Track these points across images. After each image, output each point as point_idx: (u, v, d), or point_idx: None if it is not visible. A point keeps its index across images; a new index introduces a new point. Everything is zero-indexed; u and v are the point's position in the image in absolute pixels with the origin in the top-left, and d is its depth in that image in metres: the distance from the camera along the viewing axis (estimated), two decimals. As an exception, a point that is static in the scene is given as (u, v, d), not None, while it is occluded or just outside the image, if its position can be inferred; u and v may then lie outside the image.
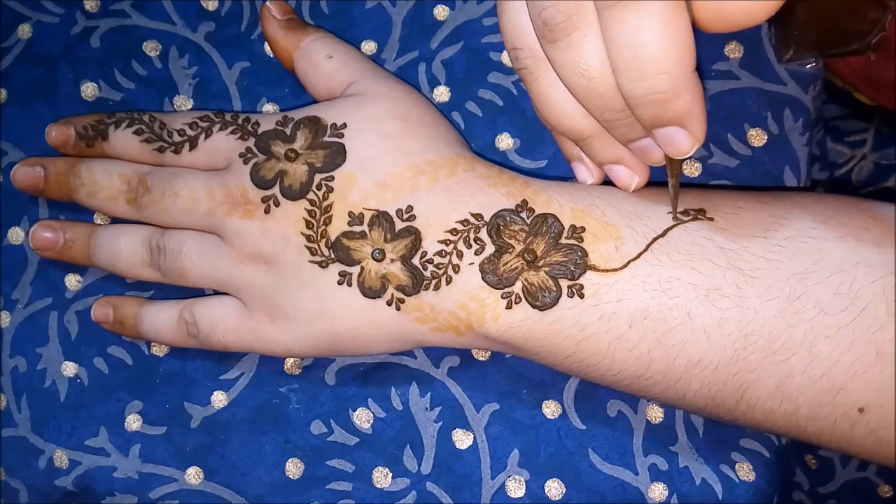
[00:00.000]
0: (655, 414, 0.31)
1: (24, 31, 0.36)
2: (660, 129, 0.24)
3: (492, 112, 0.34)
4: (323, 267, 0.29)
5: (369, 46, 0.35)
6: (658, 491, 0.31)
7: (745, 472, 0.31)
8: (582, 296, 0.27)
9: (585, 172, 0.30)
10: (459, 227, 0.28)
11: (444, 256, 0.28)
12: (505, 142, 0.34)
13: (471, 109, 0.34)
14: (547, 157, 0.33)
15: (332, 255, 0.29)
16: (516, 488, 0.31)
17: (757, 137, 0.33)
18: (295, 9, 0.35)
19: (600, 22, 0.23)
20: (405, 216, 0.29)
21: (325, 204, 0.29)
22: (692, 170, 0.33)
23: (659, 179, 0.30)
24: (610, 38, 0.22)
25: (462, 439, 0.32)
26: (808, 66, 0.33)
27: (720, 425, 0.31)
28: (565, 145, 0.30)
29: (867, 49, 0.31)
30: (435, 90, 0.34)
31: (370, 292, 0.29)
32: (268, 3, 0.33)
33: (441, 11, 0.35)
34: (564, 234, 0.28)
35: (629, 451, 0.31)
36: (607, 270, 0.27)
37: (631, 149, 0.27)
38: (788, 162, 0.33)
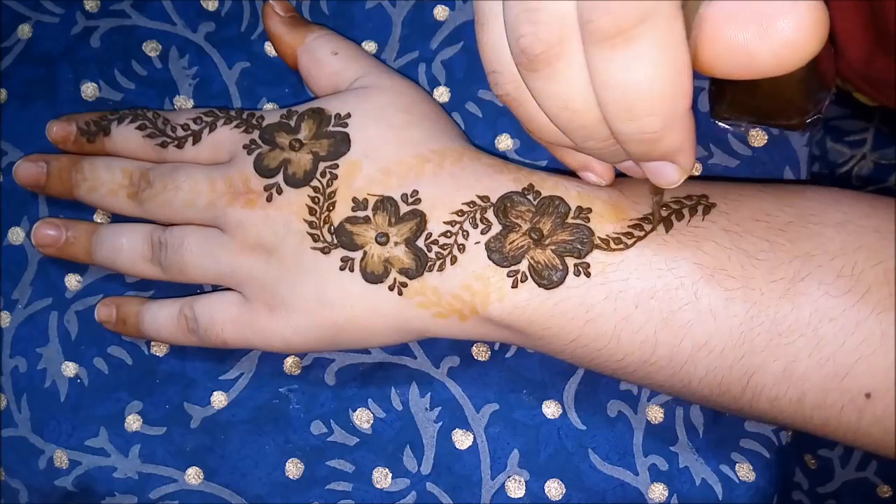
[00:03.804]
0: (655, 414, 0.31)
1: (24, 31, 0.36)
2: (647, 163, 0.24)
3: (492, 112, 0.34)
4: (325, 253, 0.29)
5: (369, 47, 0.35)
6: (658, 491, 0.31)
7: (745, 472, 0.31)
8: (588, 274, 0.27)
9: (595, 178, 0.29)
10: (466, 208, 0.28)
11: (449, 237, 0.28)
12: (505, 142, 0.34)
13: (471, 110, 0.34)
14: (547, 157, 0.33)
15: (335, 241, 0.29)
16: (516, 488, 0.31)
17: (757, 137, 0.33)
18: (295, 9, 0.35)
19: (586, 56, 0.21)
20: (410, 200, 0.29)
21: (328, 191, 0.29)
22: (692, 170, 0.33)
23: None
24: (597, 75, 0.21)
25: (462, 439, 0.32)
26: (740, 129, 0.32)
27: (720, 425, 0.31)
28: (566, 157, 0.29)
29: (802, 126, 0.31)
30: (435, 91, 0.34)
31: (372, 277, 0.29)
32: (270, 0, 0.34)
33: (441, 11, 0.35)
34: (571, 215, 0.28)
35: (629, 451, 0.31)
36: (614, 249, 0.27)
37: (618, 167, 0.27)
38: (788, 162, 0.33)
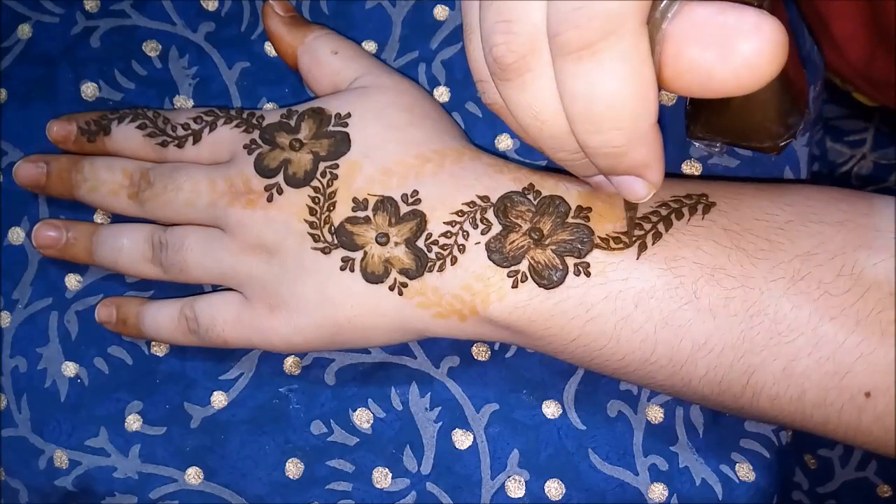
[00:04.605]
0: (655, 414, 0.31)
1: (24, 31, 0.36)
2: (615, 177, 0.24)
3: (492, 112, 0.34)
4: (325, 253, 0.29)
5: (369, 47, 0.35)
6: (658, 491, 0.31)
7: (745, 472, 0.31)
8: (588, 274, 0.27)
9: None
10: (466, 208, 0.28)
11: (449, 237, 0.28)
12: (505, 142, 0.34)
13: (470, 110, 0.34)
14: (547, 157, 0.33)
15: (336, 241, 0.29)
16: (516, 488, 0.31)
17: (757, 137, 0.33)
18: (295, 9, 0.35)
19: (555, 68, 0.21)
20: (410, 200, 0.29)
21: (329, 191, 0.29)
22: (692, 170, 0.33)
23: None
24: (564, 87, 0.21)
25: (462, 439, 0.32)
26: (714, 149, 0.32)
27: (720, 425, 0.31)
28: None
29: (776, 149, 0.31)
30: (435, 90, 0.34)
31: (372, 277, 0.29)
32: (270, 0, 0.34)
33: (441, 11, 0.35)
34: (571, 214, 0.28)
35: (629, 451, 0.31)
36: (614, 249, 0.27)
37: (588, 181, 0.27)
38: (788, 162, 0.33)
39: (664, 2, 0.20)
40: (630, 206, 0.27)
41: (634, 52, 0.20)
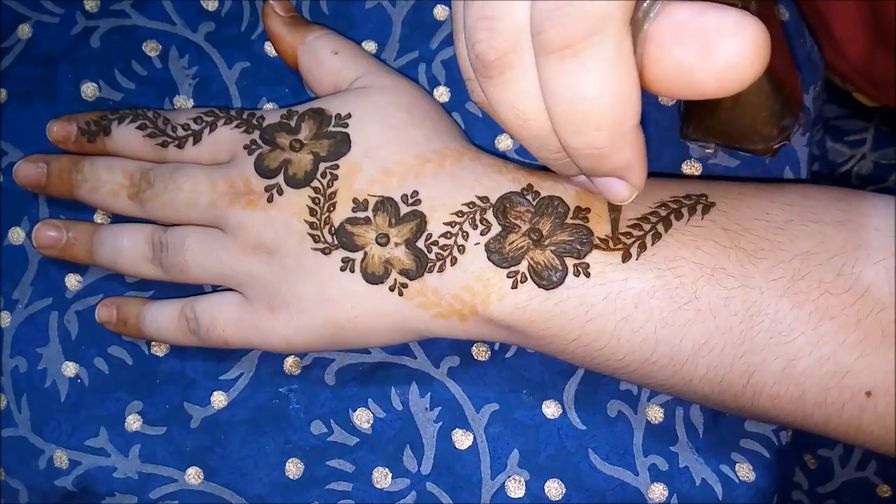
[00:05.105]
0: (655, 414, 0.31)
1: (24, 31, 0.36)
2: (597, 178, 0.24)
3: (492, 112, 0.34)
4: (326, 254, 0.29)
5: (369, 47, 0.35)
6: (658, 491, 0.31)
7: (745, 472, 0.31)
8: (588, 275, 0.27)
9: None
10: (465, 209, 0.29)
11: (449, 238, 0.28)
12: (505, 142, 0.34)
13: (470, 110, 0.34)
14: (547, 157, 0.33)
15: (336, 242, 0.29)
16: (516, 488, 0.31)
17: (757, 138, 0.33)
18: (295, 9, 0.35)
19: (537, 67, 0.21)
20: (410, 201, 0.29)
21: (329, 191, 0.29)
22: (692, 170, 0.33)
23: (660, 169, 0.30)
24: (546, 87, 0.21)
25: (462, 439, 0.32)
26: (707, 151, 0.32)
27: (720, 425, 0.31)
28: None
29: (770, 152, 0.31)
30: (435, 91, 0.34)
31: (373, 278, 0.29)
32: (270, 0, 0.34)
33: (441, 11, 0.35)
34: (570, 215, 0.28)
35: (629, 452, 0.31)
36: (613, 249, 0.27)
37: (572, 181, 0.27)
38: (788, 162, 0.33)
39: (646, 2, 0.20)
40: (614, 207, 0.27)
41: (617, 52, 0.20)
